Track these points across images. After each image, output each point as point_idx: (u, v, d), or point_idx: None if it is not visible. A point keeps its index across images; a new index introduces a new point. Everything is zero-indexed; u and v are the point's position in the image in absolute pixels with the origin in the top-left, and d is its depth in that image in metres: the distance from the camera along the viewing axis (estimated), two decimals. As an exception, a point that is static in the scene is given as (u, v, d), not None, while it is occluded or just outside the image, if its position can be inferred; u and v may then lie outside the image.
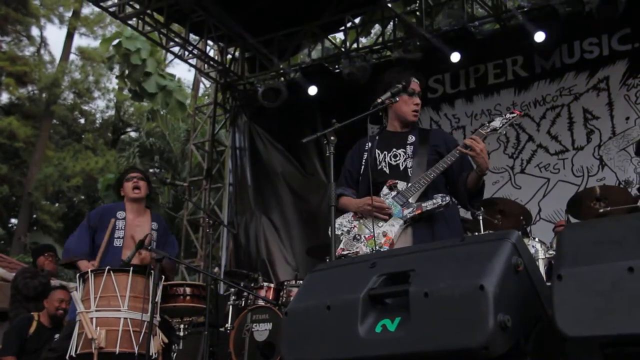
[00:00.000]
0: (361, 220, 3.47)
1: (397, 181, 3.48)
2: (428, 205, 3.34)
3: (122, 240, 4.74)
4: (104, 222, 4.78)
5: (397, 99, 3.43)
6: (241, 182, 9.71)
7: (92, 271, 4.09)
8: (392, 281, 2.18)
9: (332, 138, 3.12)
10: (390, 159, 3.59)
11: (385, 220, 3.40)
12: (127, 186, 4.96)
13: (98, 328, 3.90)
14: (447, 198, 3.34)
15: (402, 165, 3.54)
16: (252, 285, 6.66)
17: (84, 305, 4.03)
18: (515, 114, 3.53)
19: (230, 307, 6.51)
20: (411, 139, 3.62)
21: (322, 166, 9.16)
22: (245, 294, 6.42)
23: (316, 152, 9.11)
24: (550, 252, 4.97)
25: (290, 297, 6.33)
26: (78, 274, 4.21)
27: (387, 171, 3.56)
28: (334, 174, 3.10)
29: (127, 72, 13.63)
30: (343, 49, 9.37)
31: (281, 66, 9.71)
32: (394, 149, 3.61)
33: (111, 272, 4.04)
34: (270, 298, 6.31)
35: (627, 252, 1.76)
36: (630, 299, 1.70)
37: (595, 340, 1.76)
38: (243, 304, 6.43)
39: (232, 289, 6.61)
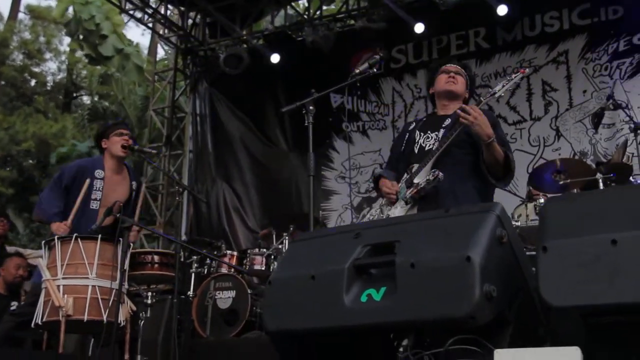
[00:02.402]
0: (383, 207, 3.47)
1: (414, 164, 3.42)
2: (421, 182, 3.26)
3: (99, 202, 4.51)
4: (80, 182, 4.48)
5: (375, 70, 3.42)
6: (202, 149, 9.60)
7: (58, 238, 4.01)
8: (376, 252, 2.21)
9: (310, 108, 3.12)
10: (424, 142, 3.50)
11: (394, 204, 3.38)
12: (115, 140, 4.63)
13: (65, 296, 3.85)
14: (437, 172, 3.21)
15: (428, 148, 3.44)
16: (215, 253, 6.64)
17: (50, 272, 3.96)
18: (519, 74, 3.42)
19: (193, 274, 6.49)
20: (447, 121, 3.49)
21: (282, 134, 9.13)
22: (208, 261, 6.40)
23: (277, 120, 9.05)
24: (513, 222, 5.08)
25: (254, 265, 6.36)
26: (44, 242, 4.12)
27: (417, 153, 3.49)
28: (312, 144, 3.09)
29: (82, 36, 13.22)
30: (306, 17, 9.28)
31: (243, 32, 9.58)
32: (429, 132, 3.51)
33: (79, 239, 3.97)
34: (233, 267, 6.31)
35: (610, 224, 1.82)
36: (612, 270, 1.76)
37: (579, 309, 1.83)
38: (206, 272, 6.42)
39: (195, 257, 6.58)
